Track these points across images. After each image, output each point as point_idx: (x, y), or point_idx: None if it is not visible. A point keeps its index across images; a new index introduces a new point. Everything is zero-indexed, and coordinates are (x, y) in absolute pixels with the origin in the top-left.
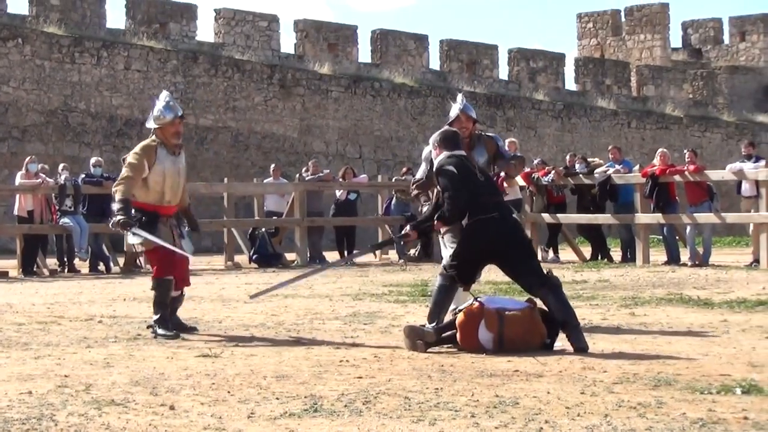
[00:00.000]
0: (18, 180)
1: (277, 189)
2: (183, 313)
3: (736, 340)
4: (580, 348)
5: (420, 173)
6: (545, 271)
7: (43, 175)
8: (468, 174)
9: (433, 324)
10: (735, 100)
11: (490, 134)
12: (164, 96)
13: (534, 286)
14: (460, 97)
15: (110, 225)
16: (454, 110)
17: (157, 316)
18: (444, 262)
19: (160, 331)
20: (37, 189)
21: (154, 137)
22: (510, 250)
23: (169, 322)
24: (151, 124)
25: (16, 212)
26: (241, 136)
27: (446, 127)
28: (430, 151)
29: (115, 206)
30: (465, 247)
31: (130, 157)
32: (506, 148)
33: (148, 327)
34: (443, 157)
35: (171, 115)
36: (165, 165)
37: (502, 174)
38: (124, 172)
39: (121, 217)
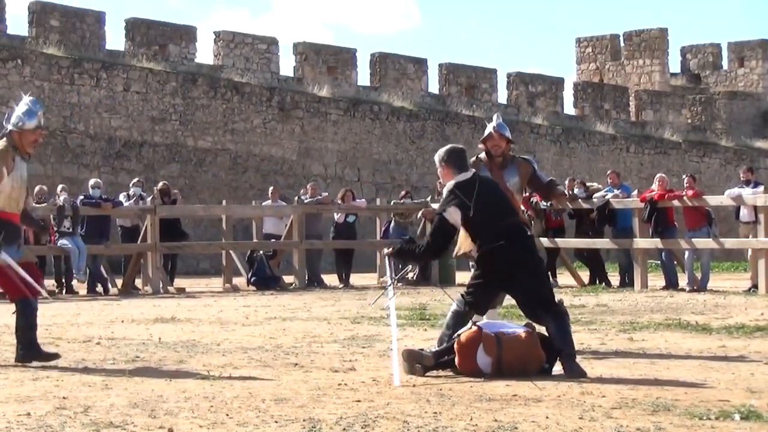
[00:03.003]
0: None
1: (275, 211)
2: (181, 335)
3: (735, 366)
4: (574, 376)
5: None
6: (556, 299)
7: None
8: (481, 196)
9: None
10: (733, 125)
11: (525, 157)
12: (27, 100)
13: (538, 314)
14: (495, 115)
15: None
16: (488, 128)
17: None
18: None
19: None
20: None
21: (6, 141)
22: (518, 277)
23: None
24: (8, 126)
25: None
26: (239, 159)
27: (451, 145)
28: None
29: None
30: (481, 275)
31: None
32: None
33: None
34: (448, 192)
35: (34, 122)
36: (21, 171)
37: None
38: None
39: None
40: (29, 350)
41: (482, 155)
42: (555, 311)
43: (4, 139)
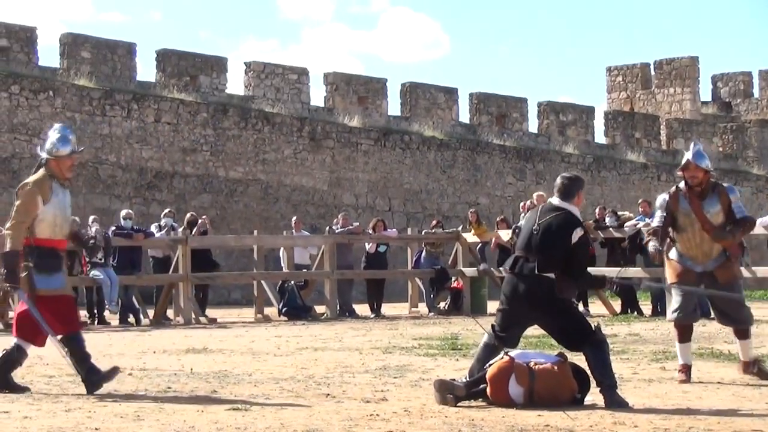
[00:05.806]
0: None
1: (307, 242)
2: (213, 365)
3: None
4: (614, 407)
5: (656, 221)
6: (592, 326)
7: None
8: (526, 225)
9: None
10: (765, 153)
11: (725, 184)
12: (58, 127)
13: (571, 344)
14: (693, 143)
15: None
16: (686, 157)
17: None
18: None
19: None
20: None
21: (44, 170)
22: (538, 316)
23: None
24: (43, 155)
25: None
26: (270, 189)
27: (568, 174)
28: (665, 199)
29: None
30: (503, 302)
31: (22, 197)
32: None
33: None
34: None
35: (68, 148)
36: (62, 198)
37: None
38: (15, 215)
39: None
40: (90, 376)
41: (681, 184)
42: (592, 341)
43: (42, 169)
